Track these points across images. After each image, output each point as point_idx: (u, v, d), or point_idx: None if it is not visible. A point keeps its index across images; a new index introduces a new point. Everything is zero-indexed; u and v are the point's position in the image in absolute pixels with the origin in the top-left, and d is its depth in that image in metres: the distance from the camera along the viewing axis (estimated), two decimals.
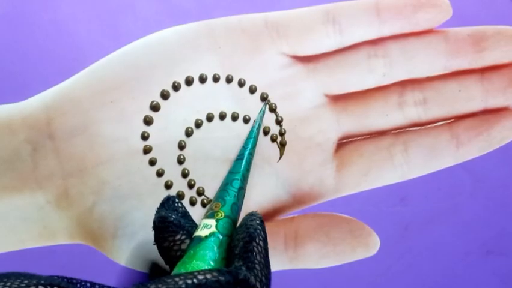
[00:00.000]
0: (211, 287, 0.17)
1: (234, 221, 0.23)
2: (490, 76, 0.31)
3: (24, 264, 0.26)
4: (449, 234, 0.30)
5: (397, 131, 0.30)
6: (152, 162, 0.27)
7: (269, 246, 0.28)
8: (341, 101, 0.30)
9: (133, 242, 0.27)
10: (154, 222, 0.23)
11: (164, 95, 0.28)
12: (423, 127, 0.30)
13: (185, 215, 0.24)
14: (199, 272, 0.17)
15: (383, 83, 0.30)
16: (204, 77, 0.28)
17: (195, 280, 0.17)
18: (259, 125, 0.28)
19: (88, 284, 0.22)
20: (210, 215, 0.23)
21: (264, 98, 0.29)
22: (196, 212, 0.28)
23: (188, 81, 0.28)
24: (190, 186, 0.28)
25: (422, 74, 0.30)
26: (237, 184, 0.26)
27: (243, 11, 0.29)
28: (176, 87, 0.28)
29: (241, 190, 0.26)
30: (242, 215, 0.24)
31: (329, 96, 0.30)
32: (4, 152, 0.26)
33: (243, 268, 0.18)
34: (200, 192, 0.28)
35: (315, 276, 0.29)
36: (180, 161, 0.28)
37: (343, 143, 0.30)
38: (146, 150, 0.27)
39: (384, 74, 0.30)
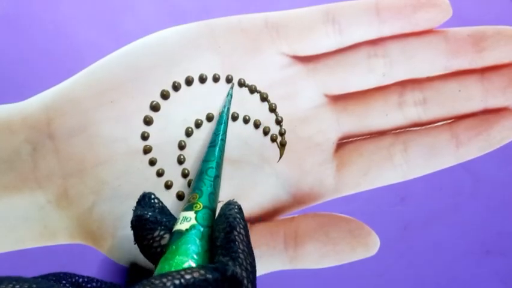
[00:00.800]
0: (199, 286, 0.17)
1: (213, 211, 0.23)
2: (489, 76, 0.31)
3: (25, 264, 0.26)
4: (448, 233, 0.30)
5: (397, 130, 0.30)
6: (152, 162, 0.27)
7: (269, 246, 0.28)
8: (341, 101, 0.30)
9: (133, 241, 0.27)
10: (131, 222, 0.22)
11: (164, 95, 0.28)
12: (423, 127, 0.30)
13: (163, 210, 0.24)
14: (185, 270, 0.17)
15: (383, 83, 0.30)
16: (204, 77, 0.28)
17: (182, 280, 0.17)
18: (228, 109, 0.28)
19: (85, 279, 0.22)
20: (188, 207, 0.23)
21: (264, 98, 0.29)
22: None
23: (188, 81, 0.28)
24: (190, 186, 0.28)
25: (422, 74, 0.30)
26: (212, 173, 0.25)
27: (243, 11, 0.29)
28: (176, 87, 0.28)
29: (217, 178, 0.25)
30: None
31: (329, 96, 0.30)
32: (4, 151, 0.26)
33: (230, 264, 0.18)
34: None
35: (315, 276, 0.29)
36: (180, 161, 0.28)
37: (343, 143, 0.30)
38: (146, 150, 0.27)
39: (384, 74, 0.30)
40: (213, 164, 0.25)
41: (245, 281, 0.18)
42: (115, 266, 0.27)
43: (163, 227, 0.22)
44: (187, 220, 0.22)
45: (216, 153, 0.26)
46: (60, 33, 0.27)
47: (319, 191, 0.29)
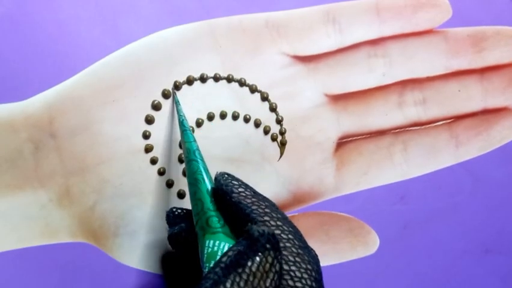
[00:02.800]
0: (237, 262, 0.16)
1: (219, 196, 0.21)
2: (489, 76, 0.31)
3: (26, 262, 0.26)
4: (448, 232, 0.30)
5: (397, 130, 0.30)
6: (153, 161, 0.27)
7: None
8: (341, 100, 0.30)
9: (134, 240, 0.27)
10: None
11: (166, 94, 0.28)
12: (423, 127, 0.30)
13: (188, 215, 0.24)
14: (220, 259, 0.17)
15: (383, 82, 0.30)
16: (205, 76, 0.28)
17: (222, 265, 0.16)
18: (183, 116, 0.26)
19: None
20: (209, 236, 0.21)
21: (264, 98, 0.29)
22: None
23: (190, 81, 0.28)
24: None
25: (422, 73, 0.30)
26: (195, 166, 0.23)
27: (244, 11, 0.29)
28: (177, 86, 0.28)
29: (194, 161, 0.23)
30: None
31: (329, 96, 0.30)
32: (6, 150, 0.26)
33: (249, 225, 0.18)
34: None
35: None
36: (181, 160, 0.28)
37: (343, 142, 0.30)
38: (148, 149, 0.27)
39: (384, 74, 0.30)
40: (193, 156, 0.24)
41: (276, 230, 0.19)
42: (116, 265, 0.27)
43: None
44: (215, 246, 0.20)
45: (193, 147, 0.24)
46: (62, 32, 0.27)
47: (319, 190, 0.29)
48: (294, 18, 0.30)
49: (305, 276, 0.18)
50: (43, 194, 0.26)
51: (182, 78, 0.28)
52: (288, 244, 0.19)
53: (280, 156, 0.29)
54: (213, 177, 0.22)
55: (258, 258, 0.16)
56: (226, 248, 0.19)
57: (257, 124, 0.29)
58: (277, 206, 0.21)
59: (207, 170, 0.23)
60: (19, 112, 0.26)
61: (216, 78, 0.29)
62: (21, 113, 0.26)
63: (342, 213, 0.29)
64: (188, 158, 0.23)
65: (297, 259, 0.19)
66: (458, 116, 0.31)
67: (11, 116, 0.26)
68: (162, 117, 0.28)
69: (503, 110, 0.31)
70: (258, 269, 0.16)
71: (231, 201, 0.20)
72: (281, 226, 0.19)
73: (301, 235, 0.20)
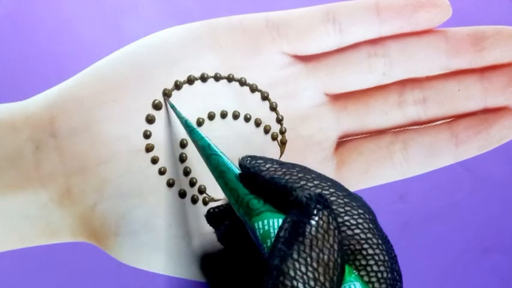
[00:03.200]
0: (295, 231, 0.16)
1: (249, 176, 0.21)
2: (489, 75, 0.31)
3: (27, 262, 0.26)
4: (447, 231, 0.31)
5: (397, 129, 0.30)
6: (154, 161, 0.27)
7: None
8: (341, 99, 0.30)
9: (135, 239, 0.27)
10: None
11: (166, 94, 0.28)
12: (422, 126, 0.30)
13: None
14: (278, 234, 0.17)
15: (383, 82, 0.30)
16: (206, 76, 0.28)
17: (282, 240, 0.16)
18: (184, 118, 0.26)
19: None
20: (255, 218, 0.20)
21: (264, 97, 0.29)
22: (197, 210, 0.28)
23: (190, 80, 0.28)
24: (192, 184, 0.28)
25: (421, 73, 0.31)
26: (215, 160, 0.23)
27: (244, 11, 0.29)
28: (178, 86, 0.28)
29: (216, 156, 0.23)
30: None
31: (329, 95, 0.30)
32: (7, 150, 0.26)
33: (296, 193, 0.18)
34: (202, 191, 0.28)
35: None
36: (182, 159, 0.28)
37: (343, 142, 0.30)
38: (148, 149, 0.27)
39: (384, 73, 0.30)
40: (212, 151, 0.23)
41: (316, 190, 0.19)
42: (117, 264, 0.27)
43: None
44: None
45: (208, 141, 0.24)
46: (63, 32, 0.27)
47: None
48: (294, 17, 0.30)
49: (360, 221, 0.18)
50: (44, 193, 0.26)
51: (183, 78, 0.28)
52: (332, 198, 0.19)
53: (281, 155, 0.29)
54: (236, 164, 0.22)
55: (314, 222, 0.16)
56: (276, 223, 0.19)
57: (257, 123, 0.29)
58: (305, 166, 0.21)
59: (228, 159, 0.23)
60: (20, 112, 0.26)
61: (217, 78, 0.29)
62: (22, 113, 0.26)
63: None
64: (207, 153, 0.23)
65: (346, 208, 0.19)
66: (458, 115, 0.31)
67: (12, 115, 0.26)
68: (163, 117, 0.28)
69: (503, 109, 0.31)
70: (317, 231, 0.16)
71: (264, 179, 0.20)
72: (319, 184, 0.19)
73: (341, 185, 0.20)
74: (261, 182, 0.20)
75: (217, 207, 0.24)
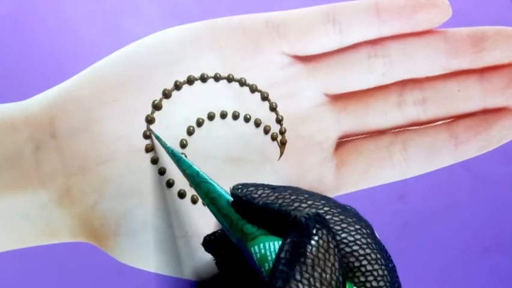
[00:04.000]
0: (296, 252, 0.16)
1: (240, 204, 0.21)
2: (489, 76, 0.31)
3: (27, 262, 0.26)
4: (447, 232, 0.31)
5: (396, 130, 0.30)
6: (154, 161, 0.27)
7: None
8: (341, 100, 0.30)
9: (135, 239, 0.27)
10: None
11: (166, 94, 0.28)
12: (422, 126, 0.30)
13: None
14: (278, 256, 0.17)
15: (382, 82, 0.30)
16: (206, 76, 0.28)
17: (283, 261, 0.16)
18: (169, 147, 0.26)
19: None
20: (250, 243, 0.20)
21: (264, 97, 0.29)
22: (196, 211, 0.28)
23: (190, 80, 0.28)
24: (191, 184, 0.28)
25: (421, 73, 0.31)
26: (205, 187, 0.23)
27: (244, 11, 0.29)
28: (178, 86, 0.28)
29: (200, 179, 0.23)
30: None
31: (329, 96, 0.30)
32: (7, 150, 0.26)
33: (294, 214, 0.18)
34: None
35: None
36: None
37: (343, 142, 0.30)
38: (148, 149, 0.27)
39: (384, 74, 0.30)
40: (201, 178, 0.23)
41: (317, 210, 0.19)
42: (117, 264, 0.27)
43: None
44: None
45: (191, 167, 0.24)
46: (63, 32, 0.27)
47: (319, 189, 0.29)
48: (294, 18, 0.30)
49: (357, 237, 0.18)
50: (44, 193, 0.26)
51: (182, 78, 0.28)
52: (328, 216, 0.19)
53: (280, 156, 0.29)
54: (226, 190, 0.22)
55: (314, 242, 0.16)
56: (272, 246, 0.19)
57: (257, 124, 0.29)
58: (297, 186, 0.21)
59: (218, 185, 0.23)
60: (20, 112, 0.26)
61: (217, 78, 0.29)
62: (22, 113, 0.26)
63: None
64: (196, 181, 0.23)
65: (343, 225, 0.19)
66: (458, 116, 0.31)
67: (12, 115, 0.26)
68: (163, 117, 0.28)
69: (503, 110, 0.31)
70: (318, 251, 0.16)
71: (257, 206, 0.20)
72: (313, 204, 0.19)
73: (334, 201, 0.20)
74: (254, 209, 0.20)
75: (213, 233, 0.24)
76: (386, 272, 0.18)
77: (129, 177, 0.27)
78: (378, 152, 0.30)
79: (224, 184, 0.28)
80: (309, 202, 0.19)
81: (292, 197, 0.19)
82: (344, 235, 0.18)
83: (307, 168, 0.29)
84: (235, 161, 0.29)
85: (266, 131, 0.29)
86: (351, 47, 0.30)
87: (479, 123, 0.31)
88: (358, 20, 0.30)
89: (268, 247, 0.19)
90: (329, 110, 0.30)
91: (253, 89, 0.29)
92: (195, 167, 0.24)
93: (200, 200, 0.28)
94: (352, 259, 0.18)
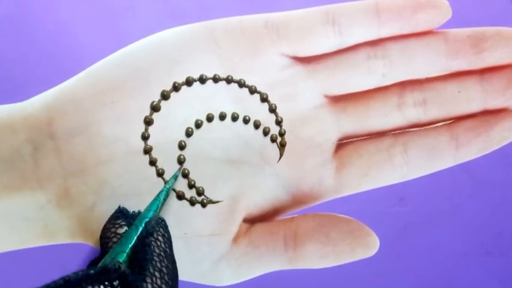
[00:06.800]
0: (79, 282, 0.19)
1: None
2: (489, 77, 0.31)
3: (25, 263, 0.26)
4: (448, 234, 0.30)
5: (397, 131, 0.30)
6: (152, 162, 0.27)
7: (269, 246, 0.28)
8: (341, 101, 0.30)
9: None
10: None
11: (165, 96, 0.28)
12: (422, 128, 0.30)
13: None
14: (76, 272, 0.19)
15: (382, 83, 0.30)
16: (204, 77, 0.28)
17: (67, 278, 0.19)
18: (168, 189, 0.27)
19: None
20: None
21: (264, 99, 0.29)
22: (195, 212, 0.28)
23: (189, 82, 0.28)
24: (190, 186, 0.28)
25: (421, 75, 0.30)
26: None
27: (243, 12, 0.29)
28: (176, 87, 0.28)
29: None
30: None
31: (329, 97, 0.30)
32: (5, 151, 0.26)
33: (111, 259, 0.21)
34: (200, 192, 0.28)
35: (314, 276, 0.29)
36: (180, 161, 0.28)
37: (343, 144, 0.30)
38: (147, 150, 0.27)
39: (383, 75, 0.30)
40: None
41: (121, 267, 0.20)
42: None
43: (126, 220, 0.25)
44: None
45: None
46: (61, 33, 0.27)
47: (319, 192, 0.29)
48: (294, 19, 0.30)
49: None
50: (42, 195, 0.26)
51: (181, 79, 0.28)
52: None
53: (280, 158, 0.29)
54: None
55: None
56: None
57: (256, 125, 0.29)
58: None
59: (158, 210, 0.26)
60: (18, 113, 0.26)
61: (215, 79, 0.29)
62: (20, 114, 0.26)
63: (341, 215, 0.29)
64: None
65: None
66: (458, 117, 0.30)
67: (10, 117, 0.26)
68: (161, 119, 0.28)
69: (503, 111, 0.31)
70: None
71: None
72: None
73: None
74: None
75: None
76: None
77: (127, 178, 0.27)
78: (378, 154, 0.30)
79: (222, 186, 0.28)
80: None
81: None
82: None
83: (307, 170, 0.29)
84: (234, 162, 0.28)
85: (265, 132, 0.29)
86: (351, 48, 0.30)
87: (480, 124, 0.30)
88: (358, 21, 0.30)
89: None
90: (329, 111, 0.30)
91: (252, 91, 0.29)
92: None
93: (198, 202, 0.28)
94: None
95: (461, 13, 0.31)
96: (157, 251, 0.22)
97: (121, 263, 0.20)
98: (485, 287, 0.30)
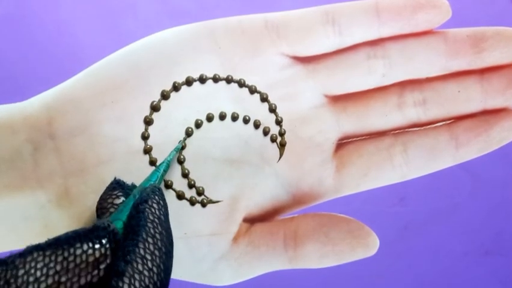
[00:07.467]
0: (68, 240, 0.19)
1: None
2: (489, 77, 0.30)
3: None
4: (448, 234, 0.30)
5: (397, 131, 0.30)
6: (152, 162, 0.27)
7: (268, 246, 0.28)
8: (341, 101, 0.30)
9: None
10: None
11: (165, 95, 0.28)
12: (422, 128, 0.30)
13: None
14: (67, 232, 0.20)
15: (382, 83, 0.30)
16: (204, 77, 0.28)
17: (56, 237, 0.19)
18: (169, 161, 0.27)
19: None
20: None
21: (264, 99, 0.29)
22: (195, 212, 0.28)
23: (189, 82, 0.28)
24: (190, 186, 0.28)
25: (421, 74, 0.30)
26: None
27: (243, 12, 0.29)
28: (176, 87, 0.28)
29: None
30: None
31: (329, 97, 0.30)
32: (5, 151, 0.26)
33: (102, 219, 0.21)
34: (200, 192, 0.28)
35: (314, 276, 0.29)
36: (180, 161, 0.28)
37: (343, 144, 0.30)
38: (147, 150, 0.27)
39: (383, 75, 0.30)
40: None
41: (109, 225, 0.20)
42: None
43: (123, 191, 0.25)
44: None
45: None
46: (61, 33, 0.27)
47: (319, 191, 0.29)
48: (294, 18, 0.30)
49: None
50: (42, 194, 0.26)
51: (181, 79, 0.28)
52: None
53: (280, 157, 0.29)
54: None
55: (85, 246, 0.19)
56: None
57: (256, 125, 0.29)
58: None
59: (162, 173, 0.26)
60: (18, 113, 0.26)
61: (215, 79, 0.29)
62: (20, 114, 0.26)
63: (342, 215, 0.29)
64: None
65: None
66: (458, 117, 0.30)
67: (10, 116, 0.26)
68: (161, 118, 0.28)
69: (503, 111, 0.30)
70: (80, 255, 0.19)
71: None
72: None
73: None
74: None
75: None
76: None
77: (127, 178, 0.27)
78: (378, 154, 0.30)
79: (222, 186, 0.28)
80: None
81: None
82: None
83: (307, 170, 0.29)
84: (234, 162, 0.28)
85: (265, 132, 0.29)
86: (351, 48, 0.30)
87: (480, 124, 0.30)
88: (358, 21, 0.30)
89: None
90: (329, 111, 0.30)
91: (252, 90, 0.29)
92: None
93: (198, 201, 0.28)
94: None
95: (461, 13, 0.31)
96: (150, 217, 0.22)
97: (110, 222, 0.21)
98: (485, 286, 0.30)
